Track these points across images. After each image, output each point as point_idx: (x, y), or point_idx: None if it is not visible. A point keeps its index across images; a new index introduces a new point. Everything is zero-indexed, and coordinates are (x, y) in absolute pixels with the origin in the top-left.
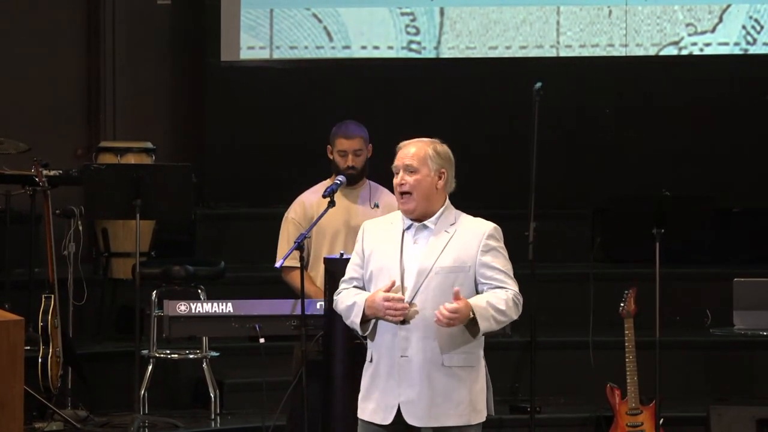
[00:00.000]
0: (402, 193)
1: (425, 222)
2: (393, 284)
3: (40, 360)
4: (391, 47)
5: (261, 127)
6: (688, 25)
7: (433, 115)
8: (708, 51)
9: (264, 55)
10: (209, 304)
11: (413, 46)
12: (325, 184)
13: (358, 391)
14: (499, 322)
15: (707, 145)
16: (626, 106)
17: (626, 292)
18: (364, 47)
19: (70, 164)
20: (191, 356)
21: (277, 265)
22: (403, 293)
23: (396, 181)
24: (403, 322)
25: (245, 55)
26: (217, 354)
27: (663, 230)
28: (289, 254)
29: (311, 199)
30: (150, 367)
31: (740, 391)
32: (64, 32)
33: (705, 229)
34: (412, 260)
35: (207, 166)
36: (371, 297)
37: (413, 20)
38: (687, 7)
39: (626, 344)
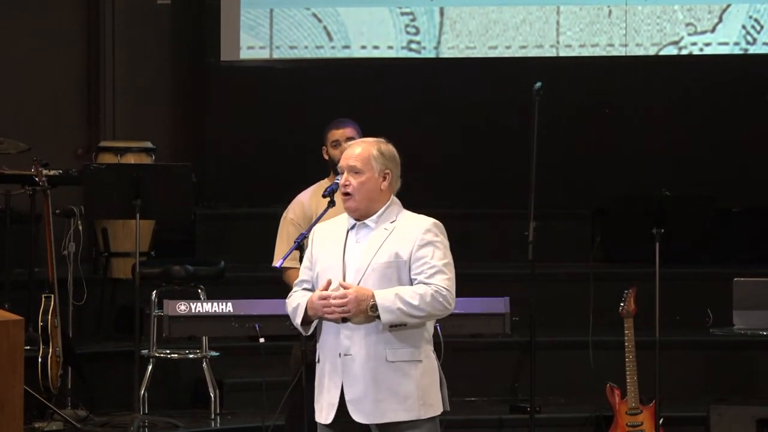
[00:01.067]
0: (345, 194)
1: (366, 221)
2: (329, 283)
3: (40, 360)
4: (391, 47)
5: (261, 126)
6: (687, 24)
7: (432, 115)
8: (708, 51)
9: (264, 54)
10: (209, 303)
11: (413, 45)
12: (324, 184)
13: None
14: (412, 316)
15: (707, 145)
16: (626, 106)
17: (626, 291)
18: (363, 47)
19: (70, 164)
20: (191, 356)
21: (277, 265)
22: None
23: (340, 181)
24: (344, 320)
25: (245, 54)
26: (217, 354)
27: (663, 230)
28: (289, 254)
29: (310, 199)
30: (150, 367)
31: (740, 391)
32: (64, 32)
33: (705, 229)
34: (353, 258)
35: (207, 165)
36: (310, 298)
37: (413, 20)
38: (687, 7)
39: (626, 344)
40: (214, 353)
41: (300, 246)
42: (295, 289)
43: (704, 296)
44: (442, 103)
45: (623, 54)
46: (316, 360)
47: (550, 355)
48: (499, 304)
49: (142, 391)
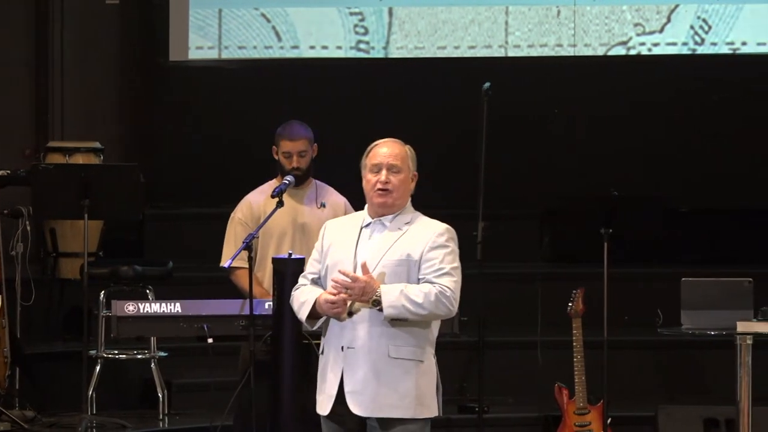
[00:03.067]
0: (383, 190)
1: (381, 219)
2: (342, 280)
3: None
4: (339, 47)
5: (209, 127)
6: (636, 25)
7: (381, 115)
8: (656, 51)
9: (213, 55)
10: (157, 304)
11: (362, 46)
12: (272, 184)
13: (306, 390)
14: (413, 314)
15: (656, 145)
16: (575, 106)
17: (574, 292)
18: (312, 47)
19: (18, 164)
20: (139, 356)
21: (225, 265)
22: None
23: (376, 179)
24: (350, 314)
25: (194, 55)
26: (166, 354)
27: (611, 230)
28: (237, 254)
29: (258, 199)
30: (98, 368)
31: (688, 391)
32: (12, 32)
33: (653, 229)
34: (364, 254)
35: (155, 166)
36: (321, 297)
37: (362, 20)
38: (635, 7)
39: (574, 344)
40: (162, 354)
41: (248, 246)
42: (301, 281)
43: (652, 296)
44: (390, 103)
45: (572, 54)
46: (320, 352)
47: (498, 355)
48: None
49: (91, 392)
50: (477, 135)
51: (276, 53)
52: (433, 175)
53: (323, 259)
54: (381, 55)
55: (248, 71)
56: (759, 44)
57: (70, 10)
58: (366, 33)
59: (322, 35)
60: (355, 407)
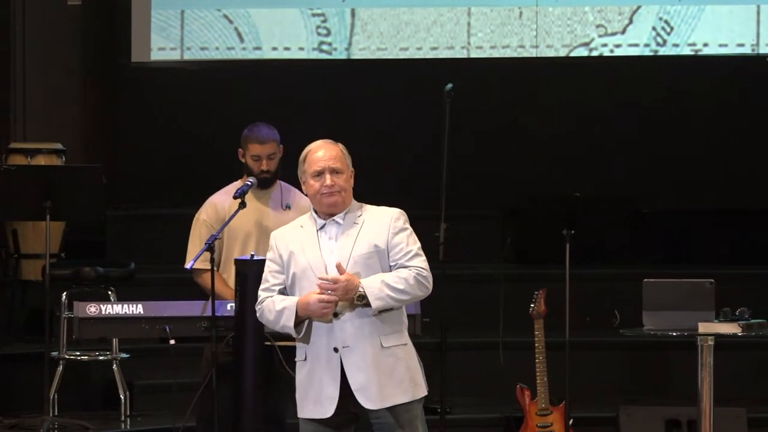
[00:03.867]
0: (332, 193)
1: (335, 218)
2: (339, 267)
3: None
4: (302, 48)
5: (172, 128)
6: (598, 26)
7: (344, 116)
8: (618, 52)
9: (175, 56)
10: (119, 305)
11: (324, 47)
12: (237, 185)
13: (269, 392)
14: (399, 300)
15: (618, 146)
16: (537, 107)
17: (536, 293)
18: (275, 48)
19: None
20: (101, 358)
21: (188, 266)
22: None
23: (320, 183)
24: (336, 315)
25: (156, 56)
26: (128, 356)
27: (573, 231)
28: (200, 256)
29: (223, 200)
30: (60, 369)
31: (650, 392)
32: None
33: (615, 230)
34: (331, 255)
35: (118, 167)
36: (304, 299)
37: (324, 21)
38: (597, 9)
39: (536, 345)
40: (124, 355)
41: (210, 248)
42: (265, 294)
43: (614, 297)
44: (353, 104)
45: (534, 55)
46: (301, 358)
47: (460, 356)
48: (409, 306)
49: (52, 393)
50: (439, 136)
51: (238, 54)
52: (395, 176)
53: (286, 269)
54: (343, 56)
55: (210, 72)
56: (721, 45)
57: (31, 10)
58: (328, 34)
59: (285, 36)
60: (366, 402)
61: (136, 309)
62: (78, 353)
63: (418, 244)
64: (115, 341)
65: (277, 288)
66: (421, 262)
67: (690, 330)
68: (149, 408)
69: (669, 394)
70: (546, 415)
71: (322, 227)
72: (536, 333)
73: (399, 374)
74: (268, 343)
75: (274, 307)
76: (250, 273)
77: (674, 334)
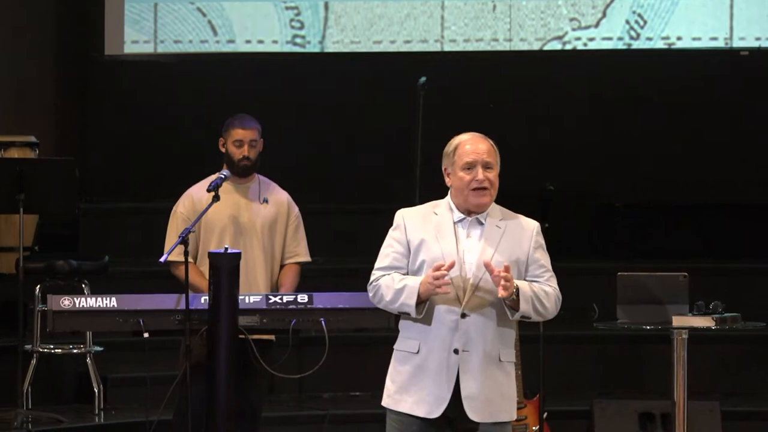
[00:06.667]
0: (481, 188)
1: (478, 217)
2: (453, 264)
3: None
4: (275, 41)
5: (145, 121)
6: (572, 19)
7: (317, 110)
8: (592, 46)
9: (148, 49)
10: (93, 298)
11: (298, 40)
12: (214, 178)
13: (243, 385)
14: (538, 312)
15: (591, 140)
16: (510, 101)
17: None
18: (248, 41)
19: None
20: (75, 351)
21: (161, 260)
22: (463, 284)
23: (471, 176)
24: (463, 315)
25: (129, 49)
26: (101, 349)
27: (547, 225)
28: (174, 249)
29: (200, 192)
30: (33, 362)
31: (623, 385)
32: None
33: (588, 223)
34: (470, 253)
35: (91, 160)
36: (424, 279)
37: (298, 14)
38: (571, 2)
39: None
40: (98, 348)
41: (185, 241)
42: (381, 273)
43: (589, 291)
44: (326, 97)
45: (507, 49)
46: (414, 351)
47: None
48: None
49: (26, 387)
50: (413, 129)
51: (212, 47)
52: (368, 170)
53: (414, 255)
54: (317, 49)
55: (184, 65)
56: (694, 39)
57: (3, 2)
58: (302, 27)
59: (258, 29)
60: (472, 413)
61: (109, 302)
62: (52, 346)
63: (550, 264)
64: (88, 334)
65: (397, 271)
66: (555, 282)
67: (664, 323)
68: (123, 401)
69: (643, 387)
70: (520, 409)
71: (461, 221)
72: None
73: (508, 392)
74: (242, 337)
75: (393, 284)
76: (223, 266)
77: (648, 327)
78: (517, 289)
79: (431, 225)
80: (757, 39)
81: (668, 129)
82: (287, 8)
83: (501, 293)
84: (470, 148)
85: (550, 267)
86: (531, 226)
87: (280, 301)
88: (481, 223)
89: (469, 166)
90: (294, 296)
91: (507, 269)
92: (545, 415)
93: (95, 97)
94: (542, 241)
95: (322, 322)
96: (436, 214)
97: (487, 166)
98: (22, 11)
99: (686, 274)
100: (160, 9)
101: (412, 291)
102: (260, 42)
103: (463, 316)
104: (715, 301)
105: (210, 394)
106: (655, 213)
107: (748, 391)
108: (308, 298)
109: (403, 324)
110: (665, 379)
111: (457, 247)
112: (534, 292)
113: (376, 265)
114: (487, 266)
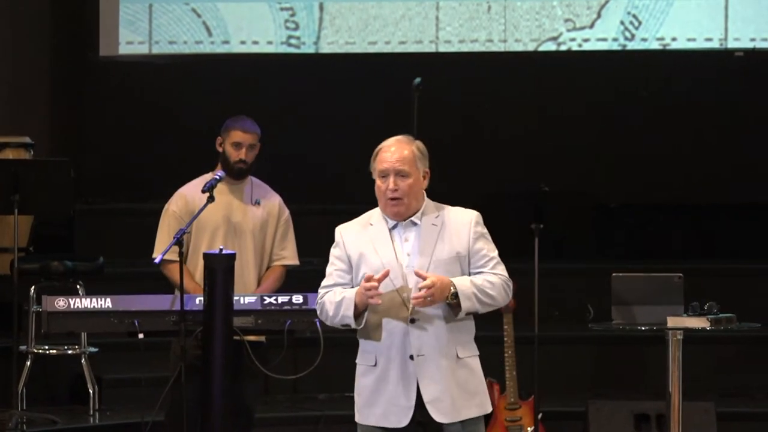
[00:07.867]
0: (394, 198)
1: (412, 219)
2: (386, 273)
3: None
4: (270, 42)
5: (140, 122)
6: (566, 20)
7: (312, 111)
8: (587, 47)
9: (143, 50)
10: (88, 299)
11: (292, 41)
12: (207, 177)
13: (238, 387)
14: (484, 304)
15: (586, 141)
16: (506, 101)
17: None
18: (243, 42)
19: None
20: (70, 352)
21: (156, 260)
22: (406, 291)
23: (385, 185)
24: (412, 321)
25: (124, 50)
26: (96, 350)
27: (542, 225)
28: (168, 249)
29: (193, 192)
30: (28, 363)
31: (619, 386)
32: None
33: (583, 224)
34: (408, 257)
35: (86, 161)
36: (359, 289)
37: (293, 15)
38: (566, 3)
39: (505, 339)
40: (92, 349)
41: (179, 241)
42: (325, 291)
43: (583, 291)
44: (321, 98)
45: (502, 50)
46: (371, 364)
47: None
48: None
49: (21, 388)
50: (408, 130)
51: (206, 48)
52: (362, 172)
53: (355, 269)
54: (312, 50)
55: (179, 66)
56: (689, 40)
57: None
58: (297, 28)
59: (253, 30)
60: (438, 415)
61: (104, 303)
62: (46, 347)
63: (496, 251)
64: (83, 335)
65: (341, 288)
66: (503, 269)
67: (659, 324)
68: (117, 402)
69: (638, 388)
70: (515, 410)
71: (395, 227)
72: (505, 327)
73: (473, 387)
74: (237, 338)
75: (334, 298)
76: (218, 268)
77: (643, 328)
78: (456, 290)
79: (368, 237)
80: (752, 40)
81: (663, 130)
82: (282, 9)
83: (420, 304)
84: (386, 156)
85: (494, 254)
86: (468, 217)
87: (275, 302)
88: (416, 224)
89: (383, 174)
90: (289, 297)
91: (425, 285)
92: (540, 415)
93: (90, 98)
94: (482, 230)
95: (317, 323)
96: (372, 224)
97: (400, 174)
98: (16, 13)
99: (681, 274)
100: (154, 10)
101: (350, 302)
102: (255, 43)
103: (412, 321)
104: (710, 302)
105: (204, 395)
106: (650, 213)
107: (743, 391)
108: (303, 299)
109: (360, 337)
110: (660, 379)
111: (396, 255)
112: (476, 286)
113: (322, 283)
114: (418, 275)
